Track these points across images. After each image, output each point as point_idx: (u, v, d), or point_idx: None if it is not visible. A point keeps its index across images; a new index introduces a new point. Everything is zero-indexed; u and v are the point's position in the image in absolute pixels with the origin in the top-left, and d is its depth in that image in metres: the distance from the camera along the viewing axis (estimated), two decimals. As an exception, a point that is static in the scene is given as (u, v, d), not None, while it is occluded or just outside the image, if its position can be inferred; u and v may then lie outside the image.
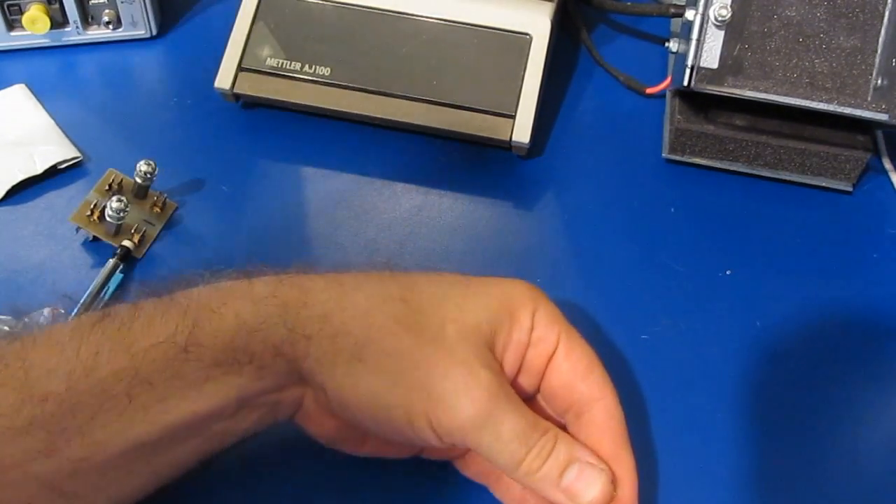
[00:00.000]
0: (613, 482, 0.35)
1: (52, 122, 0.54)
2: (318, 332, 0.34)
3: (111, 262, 0.47)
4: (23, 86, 0.56)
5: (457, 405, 0.33)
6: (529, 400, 0.38)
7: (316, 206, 0.51)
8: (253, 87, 0.54)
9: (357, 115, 0.53)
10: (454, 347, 0.34)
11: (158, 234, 0.49)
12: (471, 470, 0.39)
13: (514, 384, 0.37)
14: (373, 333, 0.34)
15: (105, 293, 0.46)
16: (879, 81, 0.49)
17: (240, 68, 0.54)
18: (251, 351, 0.33)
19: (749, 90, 0.50)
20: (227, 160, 0.53)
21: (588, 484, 0.34)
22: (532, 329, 0.36)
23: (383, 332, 0.34)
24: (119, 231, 0.48)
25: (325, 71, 0.53)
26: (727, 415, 0.44)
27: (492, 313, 0.36)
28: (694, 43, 0.49)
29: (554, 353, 0.37)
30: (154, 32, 0.59)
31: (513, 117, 0.52)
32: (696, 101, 0.53)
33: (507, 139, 0.52)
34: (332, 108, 0.53)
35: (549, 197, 0.53)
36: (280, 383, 0.35)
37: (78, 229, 0.48)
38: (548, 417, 0.37)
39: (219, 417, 0.34)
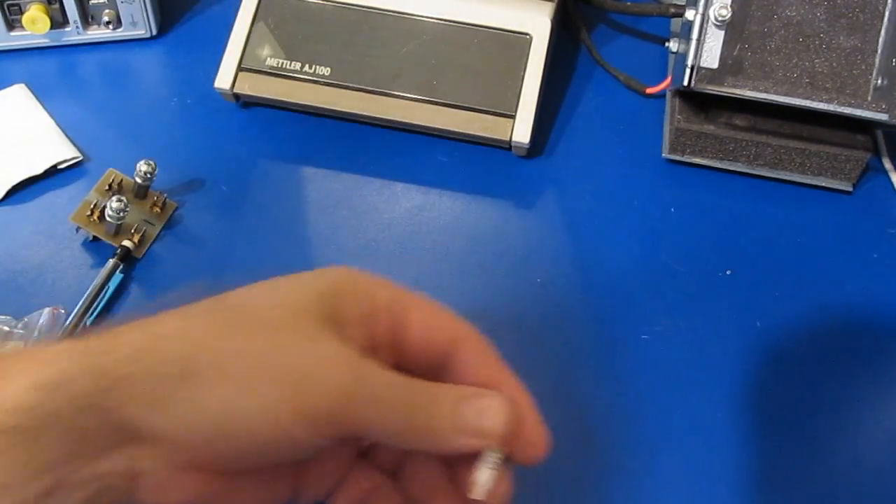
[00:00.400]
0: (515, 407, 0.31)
1: (52, 122, 0.54)
2: (133, 369, 0.28)
3: (111, 262, 0.47)
4: (23, 86, 0.56)
5: (321, 379, 0.29)
6: None
7: (316, 206, 0.51)
8: (253, 87, 0.54)
9: (357, 115, 0.53)
10: (294, 329, 0.30)
11: (158, 234, 0.49)
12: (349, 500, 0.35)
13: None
14: (196, 346, 0.29)
15: (105, 293, 0.46)
16: (879, 81, 0.49)
17: (240, 68, 0.54)
18: (51, 411, 0.27)
19: (749, 90, 0.49)
20: (227, 160, 0.53)
21: (494, 414, 0.30)
22: (367, 298, 0.33)
23: (208, 339, 0.29)
24: (119, 231, 0.48)
25: (325, 71, 0.53)
26: (727, 415, 0.44)
27: (321, 293, 0.32)
28: (694, 43, 0.49)
29: (400, 318, 0.33)
30: (154, 32, 0.59)
31: (513, 117, 0.52)
32: (696, 101, 0.53)
33: (507, 139, 0.52)
34: (332, 108, 0.53)
35: (549, 197, 0.53)
36: (95, 447, 0.28)
37: (78, 229, 0.48)
38: None
39: None
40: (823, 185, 0.53)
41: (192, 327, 0.30)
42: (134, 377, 0.28)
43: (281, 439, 0.29)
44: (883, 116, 0.49)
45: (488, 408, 0.30)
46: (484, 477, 0.31)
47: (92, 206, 0.48)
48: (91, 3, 0.57)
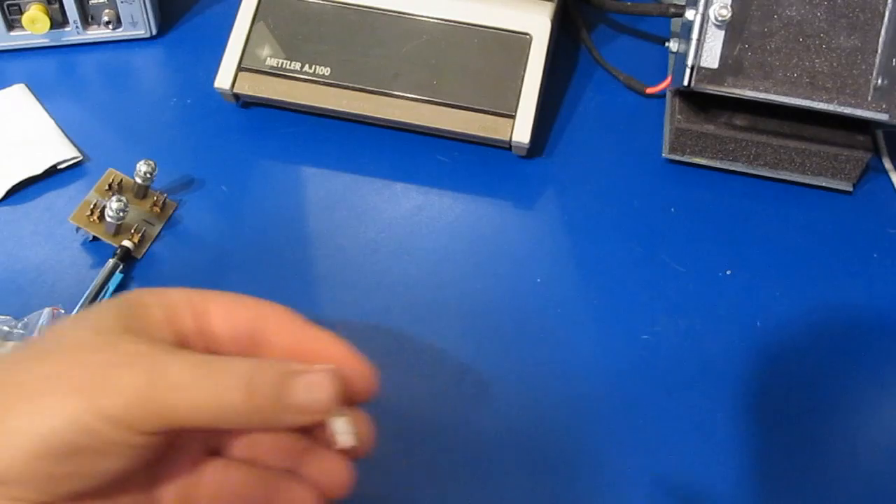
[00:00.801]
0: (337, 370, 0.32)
1: (52, 122, 0.54)
2: None
3: (111, 261, 0.47)
4: (23, 86, 0.56)
5: (117, 378, 0.29)
6: None
7: (316, 206, 0.51)
8: (253, 87, 0.54)
9: (357, 115, 0.53)
10: (91, 343, 0.30)
11: (158, 234, 0.49)
12: (218, 501, 0.34)
13: None
14: (2, 379, 0.29)
15: (105, 293, 0.46)
16: (879, 81, 0.49)
17: (240, 68, 0.54)
18: None
19: (749, 90, 0.49)
20: (227, 160, 0.53)
21: (320, 388, 0.31)
22: (162, 303, 0.33)
23: (14, 370, 0.30)
24: (119, 231, 0.48)
25: (325, 71, 0.53)
26: (727, 415, 0.44)
27: (119, 307, 0.32)
28: (694, 43, 0.49)
29: (201, 312, 0.33)
30: (154, 32, 0.59)
31: (513, 117, 0.52)
32: (696, 101, 0.53)
33: (507, 139, 0.52)
34: (332, 108, 0.53)
35: (549, 197, 0.53)
36: None
37: (78, 229, 0.48)
38: None
39: None
40: (823, 185, 0.53)
41: (1, 364, 0.30)
42: None
43: (98, 445, 0.29)
44: (883, 116, 0.49)
45: (315, 383, 0.31)
46: (340, 425, 0.32)
47: (92, 207, 0.48)
48: (91, 3, 0.57)
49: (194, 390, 0.29)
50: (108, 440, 0.29)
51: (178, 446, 0.34)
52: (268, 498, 0.33)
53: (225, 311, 0.33)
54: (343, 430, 0.32)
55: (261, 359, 0.31)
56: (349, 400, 0.33)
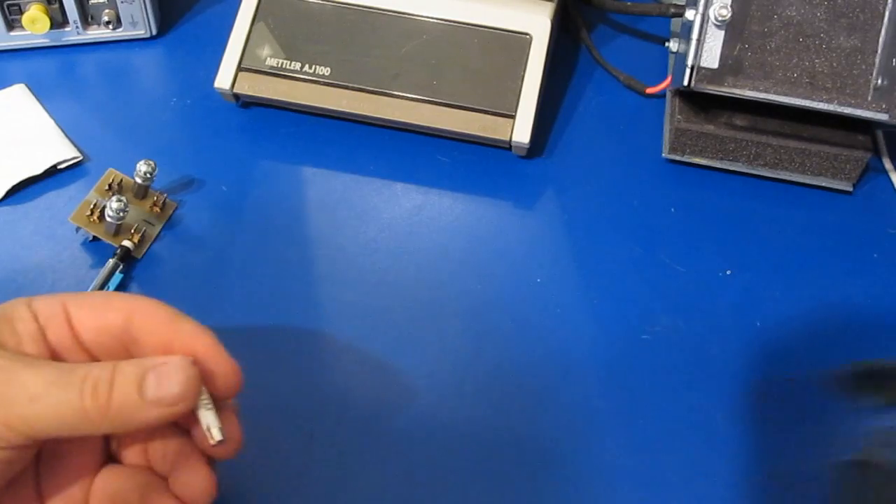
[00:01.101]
0: (193, 362, 0.32)
1: (52, 122, 0.54)
2: None
3: (111, 262, 0.47)
4: (23, 86, 0.56)
5: None
6: None
7: (316, 206, 0.51)
8: (253, 87, 0.54)
9: (357, 115, 0.53)
10: None
11: (158, 234, 0.49)
12: None
13: None
14: None
15: (105, 293, 0.46)
16: (879, 81, 0.49)
17: (240, 68, 0.54)
18: None
19: (749, 90, 0.49)
20: (227, 160, 0.53)
21: (171, 380, 0.31)
22: (33, 313, 0.33)
23: None
24: (119, 231, 0.48)
25: (325, 71, 0.53)
26: (727, 415, 0.44)
27: None
28: (694, 43, 0.49)
29: (66, 320, 0.33)
30: (154, 32, 0.59)
31: (513, 117, 0.52)
32: (696, 101, 0.53)
33: (507, 139, 0.52)
34: (332, 108, 0.53)
35: (549, 197, 0.53)
36: None
37: (78, 229, 0.48)
38: None
39: None
40: (823, 185, 0.53)
41: None
42: None
43: None
44: (883, 116, 0.49)
45: (175, 373, 0.31)
46: (209, 420, 0.33)
47: (92, 207, 0.48)
48: (91, 3, 0.57)
49: (47, 401, 0.30)
50: None
51: (66, 454, 0.34)
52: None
53: (94, 316, 0.34)
54: (213, 424, 0.33)
55: (116, 361, 0.31)
56: (215, 395, 0.33)
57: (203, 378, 0.33)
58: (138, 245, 0.48)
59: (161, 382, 0.31)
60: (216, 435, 0.33)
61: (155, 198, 0.50)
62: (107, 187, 0.49)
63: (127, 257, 0.47)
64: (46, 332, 0.33)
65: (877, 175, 0.55)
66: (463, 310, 0.47)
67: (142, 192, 0.49)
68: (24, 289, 0.46)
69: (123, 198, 0.47)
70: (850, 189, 0.53)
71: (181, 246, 0.49)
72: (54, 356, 0.33)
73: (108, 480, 0.34)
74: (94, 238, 0.48)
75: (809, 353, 0.46)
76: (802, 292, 0.49)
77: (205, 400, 0.33)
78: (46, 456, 0.34)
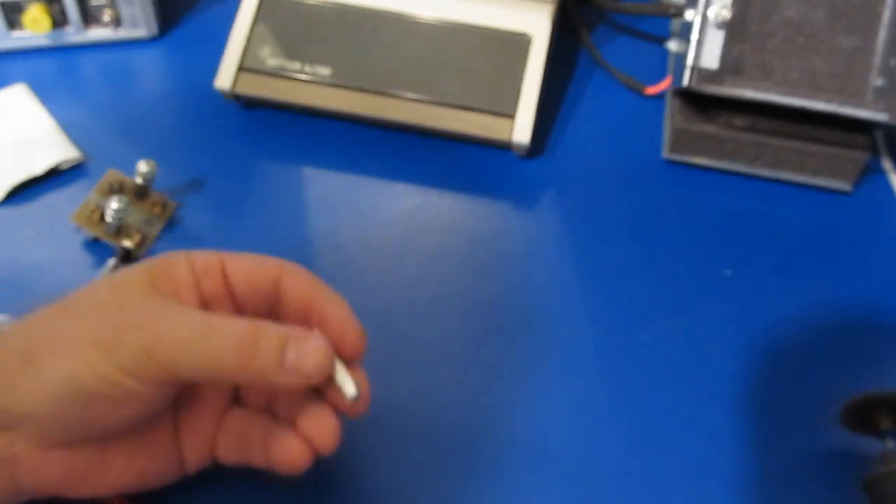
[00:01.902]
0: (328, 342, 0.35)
1: (52, 122, 0.54)
2: None
3: (111, 262, 0.47)
4: (23, 86, 0.56)
5: (129, 333, 0.33)
6: None
7: (316, 206, 0.52)
8: (253, 87, 0.54)
9: (357, 115, 0.53)
10: (114, 302, 0.34)
11: (158, 234, 0.49)
12: (231, 448, 0.38)
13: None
14: (36, 334, 0.34)
15: (105, 293, 0.46)
16: (879, 81, 0.49)
17: (240, 68, 0.54)
18: None
19: (749, 90, 0.50)
20: (227, 160, 0.53)
21: (311, 356, 0.34)
22: (191, 265, 0.36)
23: (44, 327, 0.34)
24: (119, 231, 0.48)
25: (325, 71, 0.53)
26: (726, 414, 0.44)
27: (144, 270, 0.36)
28: (694, 43, 0.49)
29: (222, 274, 0.37)
30: (154, 32, 0.59)
31: (513, 117, 0.52)
32: (696, 101, 0.53)
33: (507, 139, 0.52)
34: (332, 108, 0.53)
35: (549, 197, 0.53)
36: None
37: (78, 229, 0.48)
38: None
39: None
40: (823, 185, 0.53)
41: (31, 320, 0.35)
42: None
43: (113, 392, 0.32)
44: (883, 116, 0.49)
45: (308, 350, 0.34)
46: (343, 378, 0.35)
47: (92, 207, 0.48)
48: (91, 3, 0.57)
49: (193, 348, 0.33)
50: (122, 389, 0.32)
51: (201, 396, 0.37)
52: (266, 443, 0.37)
53: (247, 271, 0.37)
54: (349, 385, 0.35)
55: (261, 322, 0.34)
56: (343, 357, 0.36)
57: (334, 342, 0.36)
58: (138, 245, 0.48)
59: (300, 354, 0.34)
60: (350, 391, 0.35)
61: (155, 198, 0.50)
62: (107, 187, 0.49)
63: (127, 258, 0.47)
64: (201, 282, 0.36)
65: (876, 175, 0.55)
66: (463, 310, 0.47)
67: (142, 192, 0.49)
68: (24, 289, 0.46)
69: (124, 198, 0.47)
70: (850, 189, 0.53)
71: (181, 246, 0.49)
72: (205, 305, 0.37)
73: (235, 421, 0.38)
74: (95, 238, 0.48)
75: (809, 353, 0.46)
76: (802, 292, 0.49)
77: (337, 362, 0.36)
78: (184, 395, 0.37)
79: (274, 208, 0.51)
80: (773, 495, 0.41)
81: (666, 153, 0.54)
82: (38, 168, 0.51)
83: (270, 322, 0.35)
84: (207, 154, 0.53)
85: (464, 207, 0.52)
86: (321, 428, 0.36)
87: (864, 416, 0.40)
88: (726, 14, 0.48)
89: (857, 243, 0.51)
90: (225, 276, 0.37)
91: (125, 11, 0.57)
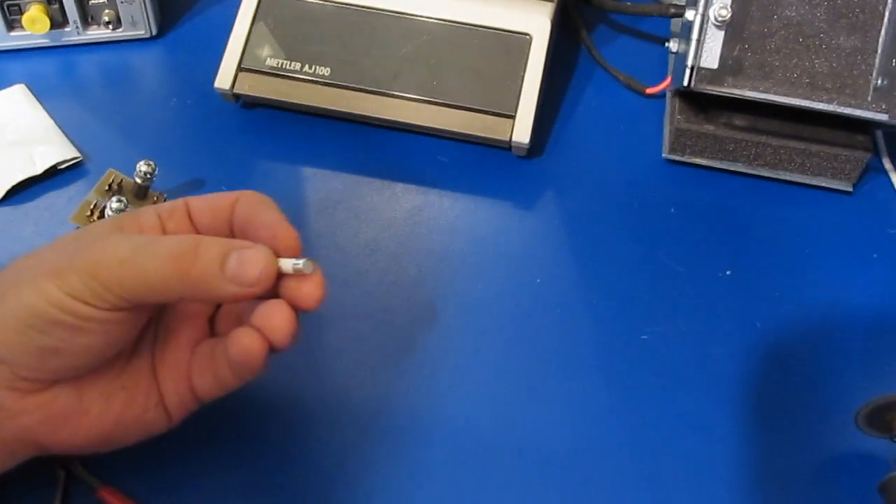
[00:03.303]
0: (274, 253, 0.36)
1: (52, 122, 0.54)
2: None
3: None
4: (23, 86, 0.56)
5: (76, 261, 0.33)
6: None
7: (316, 206, 0.51)
8: (253, 87, 0.54)
9: (357, 115, 0.53)
10: (72, 238, 0.36)
11: (158, 235, 0.49)
12: (205, 378, 0.38)
13: None
14: (4, 272, 0.35)
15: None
16: (879, 81, 0.49)
17: (240, 68, 0.54)
18: None
19: (749, 90, 0.50)
20: (227, 160, 0.53)
21: (251, 263, 0.34)
22: (157, 210, 0.38)
23: (15, 265, 0.35)
24: (119, 231, 0.48)
25: (325, 71, 0.53)
26: (727, 415, 0.44)
27: (109, 219, 0.39)
28: (694, 43, 0.49)
29: (184, 209, 0.38)
30: (154, 32, 0.59)
31: (513, 117, 0.52)
32: (696, 101, 0.53)
33: (507, 139, 0.52)
34: (332, 108, 0.53)
35: (549, 197, 0.53)
36: None
37: (78, 229, 0.48)
38: None
39: None
40: (823, 185, 0.53)
41: (6, 269, 0.35)
42: None
43: (69, 318, 0.33)
44: (883, 116, 0.49)
45: (256, 260, 0.35)
46: (289, 262, 0.36)
47: (92, 207, 0.48)
48: (91, 3, 0.57)
49: (133, 263, 0.33)
50: (74, 313, 0.33)
51: (176, 332, 0.38)
52: (226, 349, 0.36)
53: (208, 203, 0.38)
54: (294, 262, 0.35)
55: (203, 236, 0.35)
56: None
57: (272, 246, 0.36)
58: (138, 245, 0.48)
59: (242, 264, 0.34)
60: (298, 265, 0.35)
61: (155, 198, 0.50)
62: (107, 187, 0.49)
63: (127, 257, 0.47)
64: (167, 224, 0.37)
65: (877, 175, 0.55)
66: (463, 310, 0.47)
67: (142, 192, 0.49)
68: (24, 289, 0.46)
69: (123, 198, 0.47)
70: (850, 189, 0.53)
71: (181, 246, 0.49)
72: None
73: (205, 347, 0.38)
74: (95, 238, 0.48)
75: (809, 353, 0.46)
76: (802, 292, 0.49)
77: (281, 260, 0.36)
78: (159, 333, 0.38)
79: (274, 208, 0.51)
80: (773, 495, 0.41)
81: (666, 153, 0.54)
82: (38, 168, 0.51)
83: (215, 238, 0.35)
84: (207, 154, 0.53)
85: (464, 207, 0.52)
86: (274, 318, 0.36)
87: (881, 418, 0.40)
88: (726, 14, 0.48)
89: (858, 243, 0.51)
90: (189, 216, 0.38)
91: (124, 11, 0.57)
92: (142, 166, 0.48)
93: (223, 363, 0.37)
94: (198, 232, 0.38)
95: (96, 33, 0.58)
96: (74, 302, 0.33)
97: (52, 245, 0.36)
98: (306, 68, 0.53)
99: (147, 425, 0.37)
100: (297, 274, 0.36)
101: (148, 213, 0.38)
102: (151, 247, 0.34)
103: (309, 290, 0.36)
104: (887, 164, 0.55)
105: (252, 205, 0.38)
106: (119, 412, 0.36)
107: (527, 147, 0.53)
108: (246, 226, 0.38)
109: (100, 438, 0.36)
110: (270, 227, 0.37)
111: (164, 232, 0.37)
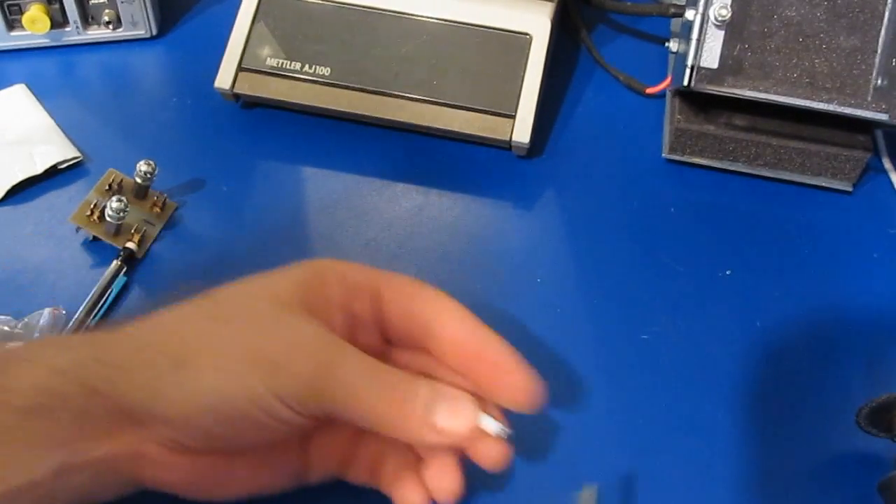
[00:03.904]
0: (478, 402, 0.35)
1: (52, 122, 0.54)
2: (134, 360, 0.32)
3: (115, 263, 0.47)
4: (23, 86, 0.56)
5: (294, 363, 0.32)
6: (385, 356, 0.38)
7: (316, 206, 0.51)
8: (253, 87, 0.54)
9: (357, 115, 0.53)
10: (272, 317, 0.33)
11: (158, 234, 0.49)
12: (361, 470, 0.38)
13: (357, 343, 0.36)
14: (188, 338, 0.33)
15: (109, 296, 0.46)
16: (879, 81, 0.49)
17: (240, 68, 0.54)
18: (63, 393, 0.30)
19: (749, 90, 0.50)
20: (227, 160, 0.53)
21: (460, 418, 0.34)
22: (344, 281, 0.36)
23: (198, 332, 0.33)
24: (119, 231, 0.48)
25: (325, 71, 0.53)
26: (727, 415, 0.44)
27: (299, 280, 0.35)
28: (694, 43, 0.49)
29: (378, 296, 0.37)
30: (154, 32, 0.59)
31: (513, 117, 0.52)
32: (696, 101, 0.53)
33: (507, 139, 0.52)
34: (332, 108, 0.53)
35: (549, 197, 0.53)
36: (103, 429, 0.31)
37: (78, 229, 0.48)
38: (409, 364, 0.38)
39: (33, 489, 0.30)
40: (823, 185, 0.53)
41: (184, 321, 0.33)
42: (134, 368, 0.31)
43: (260, 416, 0.32)
44: (883, 116, 0.49)
45: (457, 411, 0.34)
46: (489, 424, 0.35)
47: (92, 207, 0.48)
48: (91, 3, 0.57)
49: (358, 393, 0.33)
50: (273, 415, 0.32)
51: (339, 422, 0.36)
52: (394, 479, 0.37)
53: (401, 301, 0.37)
54: (491, 425, 0.35)
55: (418, 380, 0.34)
56: (509, 404, 0.36)
57: (492, 387, 0.36)
58: (138, 245, 0.48)
59: (450, 417, 0.34)
60: (507, 435, 0.35)
61: (155, 198, 0.50)
62: (107, 187, 0.49)
63: (130, 259, 0.47)
64: (353, 302, 0.36)
65: (877, 175, 0.55)
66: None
67: (142, 192, 0.49)
68: (23, 289, 0.46)
69: (123, 198, 0.47)
70: (850, 189, 0.53)
71: (181, 246, 0.49)
72: (351, 328, 0.36)
73: (371, 447, 0.37)
74: (95, 238, 0.48)
75: (809, 353, 0.46)
76: (802, 292, 0.49)
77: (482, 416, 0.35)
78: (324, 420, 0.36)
79: (274, 208, 0.51)
80: (774, 495, 0.41)
81: (666, 153, 0.54)
82: (38, 168, 0.51)
83: (425, 380, 0.35)
84: (207, 154, 0.53)
85: (464, 207, 0.52)
86: (444, 481, 0.36)
87: (882, 418, 0.40)
88: (726, 14, 0.48)
89: (858, 243, 0.51)
90: (378, 301, 0.36)
91: (125, 11, 0.57)
92: (142, 166, 0.48)
93: (386, 479, 0.37)
94: (383, 324, 0.37)
95: (96, 33, 0.58)
96: (281, 406, 0.32)
97: (246, 313, 0.34)
98: (306, 68, 0.53)
99: (282, 488, 0.37)
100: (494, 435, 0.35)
101: (334, 280, 0.36)
102: (379, 382, 0.33)
103: (498, 454, 0.36)
104: (887, 164, 0.55)
105: (468, 331, 0.37)
106: (263, 483, 0.36)
107: (527, 147, 0.53)
108: (460, 354, 0.37)
109: (231, 497, 0.35)
110: (503, 371, 0.36)
111: (349, 312, 0.36)
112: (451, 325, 0.36)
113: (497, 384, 0.36)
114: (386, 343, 0.38)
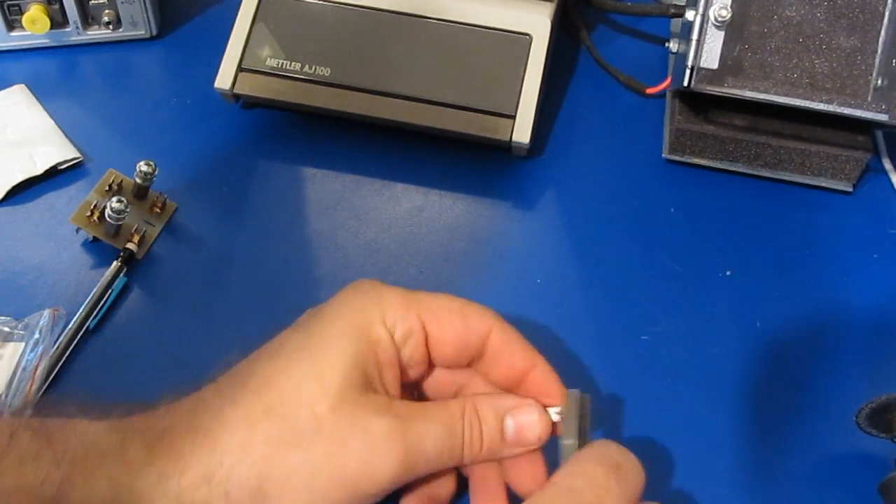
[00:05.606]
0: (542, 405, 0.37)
1: (52, 122, 0.54)
2: (209, 496, 0.32)
3: (115, 264, 0.47)
4: (23, 86, 0.56)
5: (376, 473, 0.33)
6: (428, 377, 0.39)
7: (316, 206, 0.51)
8: (253, 87, 0.54)
9: (357, 115, 0.53)
10: (339, 427, 0.33)
11: (158, 235, 0.49)
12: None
13: (407, 382, 0.37)
14: (259, 467, 0.32)
15: (109, 297, 0.46)
16: (879, 81, 0.49)
17: (240, 68, 0.54)
18: None
19: (749, 90, 0.49)
20: (227, 160, 0.53)
21: (530, 424, 0.36)
22: (391, 332, 0.36)
23: (269, 457, 0.32)
24: (119, 232, 0.48)
25: (325, 71, 0.53)
26: (727, 415, 0.44)
27: (347, 358, 0.34)
28: (694, 43, 0.49)
29: (425, 334, 0.36)
30: (154, 32, 0.59)
31: (513, 117, 0.52)
32: (696, 102, 0.53)
33: (507, 139, 0.52)
34: (332, 108, 0.53)
35: (549, 197, 0.53)
36: None
37: (78, 230, 0.48)
38: (453, 381, 0.39)
39: None
40: (823, 185, 0.53)
41: (251, 446, 0.32)
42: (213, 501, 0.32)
43: (374, 497, 0.33)
44: (883, 117, 0.49)
45: (532, 420, 0.36)
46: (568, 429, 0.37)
47: (92, 207, 0.48)
48: (91, 3, 0.57)
49: (442, 459, 0.34)
50: (384, 492, 0.33)
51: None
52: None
53: (453, 336, 0.37)
54: (568, 433, 0.37)
55: (474, 402, 0.36)
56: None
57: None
58: (139, 246, 0.48)
59: (521, 429, 0.36)
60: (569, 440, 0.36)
61: (155, 198, 0.50)
62: (107, 188, 0.49)
63: (131, 260, 0.47)
64: (402, 349, 0.36)
65: (876, 175, 0.55)
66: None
67: (142, 192, 0.49)
68: (23, 289, 0.46)
69: (123, 198, 0.47)
70: (850, 189, 0.53)
71: (181, 246, 0.49)
72: (393, 387, 0.36)
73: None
74: (95, 239, 0.48)
75: (809, 353, 0.46)
76: (802, 292, 0.49)
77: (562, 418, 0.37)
78: None
79: (274, 208, 0.51)
80: (773, 495, 0.41)
81: (666, 153, 0.54)
82: (38, 168, 0.51)
83: (484, 399, 0.36)
84: (207, 154, 0.53)
85: (464, 207, 0.52)
86: (526, 478, 0.37)
87: (882, 418, 0.40)
88: (726, 14, 0.48)
89: (858, 243, 0.51)
90: (427, 339, 0.36)
91: (125, 11, 0.57)
92: (142, 166, 0.48)
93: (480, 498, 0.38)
94: (431, 359, 0.37)
95: (96, 33, 0.58)
96: (391, 485, 0.33)
97: (315, 426, 0.33)
98: (306, 68, 0.53)
99: None
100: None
101: (382, 338, 0.35)
102: (456, 441, 0.35)
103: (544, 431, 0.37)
104: (887, 164, 0.55)
105: (518, 352, 0.37)
106: None
107: (527, 147, 0.53)
108: (510, 370, 0.37)
109: None
110: (543, 384, 0.37)
111: (401, 362, 0.36)
112: (502, 349, 0.37)
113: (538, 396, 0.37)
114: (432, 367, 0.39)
